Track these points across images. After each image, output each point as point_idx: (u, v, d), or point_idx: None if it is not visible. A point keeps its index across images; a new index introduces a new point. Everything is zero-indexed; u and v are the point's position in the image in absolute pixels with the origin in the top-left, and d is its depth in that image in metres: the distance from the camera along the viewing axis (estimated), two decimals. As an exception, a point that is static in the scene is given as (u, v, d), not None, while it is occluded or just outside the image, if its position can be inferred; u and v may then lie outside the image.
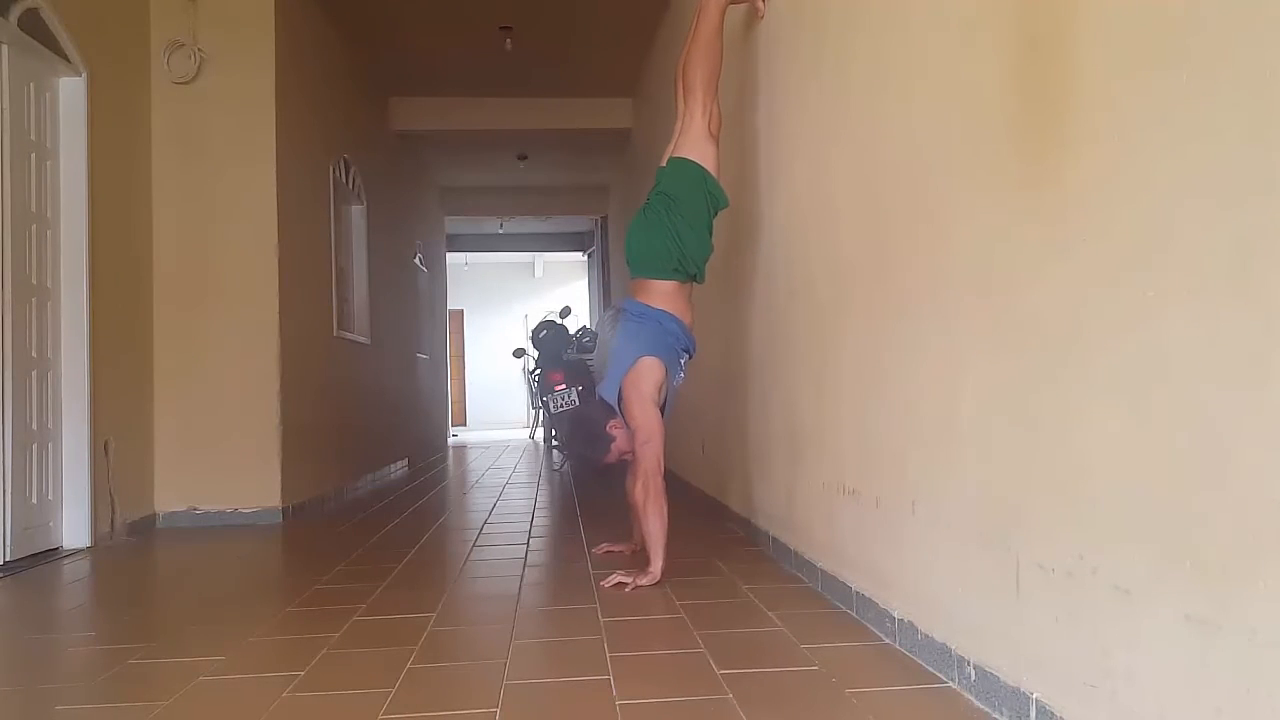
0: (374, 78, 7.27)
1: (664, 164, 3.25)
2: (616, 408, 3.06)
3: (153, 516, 4.58)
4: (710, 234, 3.19)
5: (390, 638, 2.38)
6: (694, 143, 3.17)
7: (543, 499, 5.32)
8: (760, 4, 3.35)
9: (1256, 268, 1.11)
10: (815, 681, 1.95)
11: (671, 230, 3.10)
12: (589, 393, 8.24)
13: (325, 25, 5.98)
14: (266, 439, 4.71)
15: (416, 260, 9.37)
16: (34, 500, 3.76)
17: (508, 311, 17.39)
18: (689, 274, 3.16)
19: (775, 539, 3.29)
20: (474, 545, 3.85)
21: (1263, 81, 1.10)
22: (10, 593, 3.20)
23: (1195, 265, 1.21)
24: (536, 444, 11.59)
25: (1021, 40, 1.64)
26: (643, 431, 2.98)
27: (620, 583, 2.84)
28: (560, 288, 17.05)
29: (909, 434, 2.13)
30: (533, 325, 10.43)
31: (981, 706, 1.75)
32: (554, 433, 9.54)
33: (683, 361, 3.17)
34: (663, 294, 3.13)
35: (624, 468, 3.24)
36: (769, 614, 2.52)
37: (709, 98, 3.20)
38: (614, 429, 3.08)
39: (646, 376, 3.03)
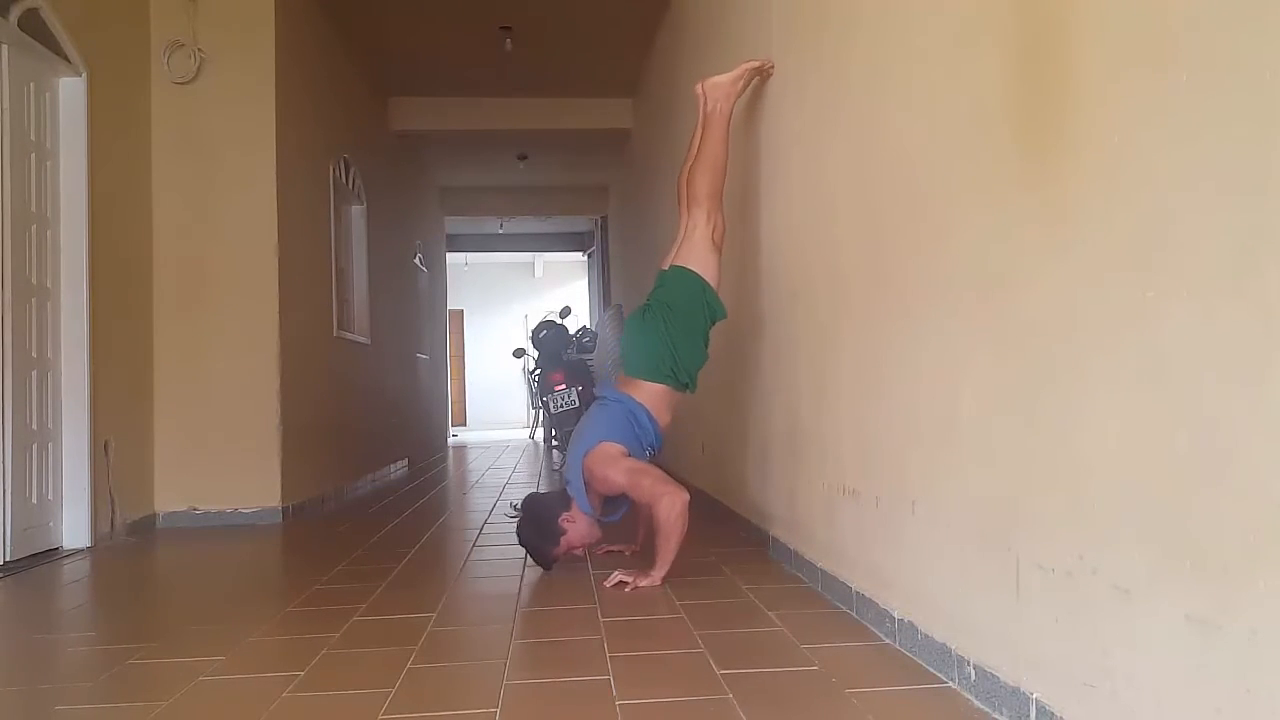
0: (374, 78, 7.27)
1: (665, 268, 3.25)
2: (581, 489, 3.02)
3: (153, 516, 4.58)
4: (705, 344, 3.21)
5: (390, 638, 2.38)
6: (696, 253, 3.18)
7: (543, 499, 5.31)
8: (767, 68, 3.29)
9: (1256, 267, 1.11)
10: (815, 681, 1.95)
11: (668, 339, 3.11)
12: (589, 393, 8.25)
13: (325, 25, 5.98)
14: (266, 439, 4.71)
15: (416, 260, 9.36)
16: (34, 500, 3.76)
17: (508, 311, 17.40)
18: (681, 383, 3.17)
19: (775, 539, 3.29)
20: (474, 545, 3.85)
21: (1263, 81, 1.10)
22: (10, 593, 3.20)
23: (1195, 265, 1.21)
24: (536, 444, 11.59)
25: (1021, 40, 1.64)
26: (631, 479, 2.95)
27: (621, 582, 2.84)
28: (560, 288, 17.05)
29: (909, 434, 2.13)
30: (533, 325, 10.43)
31: (981, 706, 1.76)
32: (554, 433, 9.54)
33: (647, 454, 3.14)
34: (648, 393, 3.13)
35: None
36: (769, 614, 2.52)
37: (714, 207, 3.21)
38: (566, 522, 3.03)
39: (610, 450, 3.01)
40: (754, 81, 3.38)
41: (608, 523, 3.21)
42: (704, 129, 3.29)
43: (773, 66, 3.25)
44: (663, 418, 3.17)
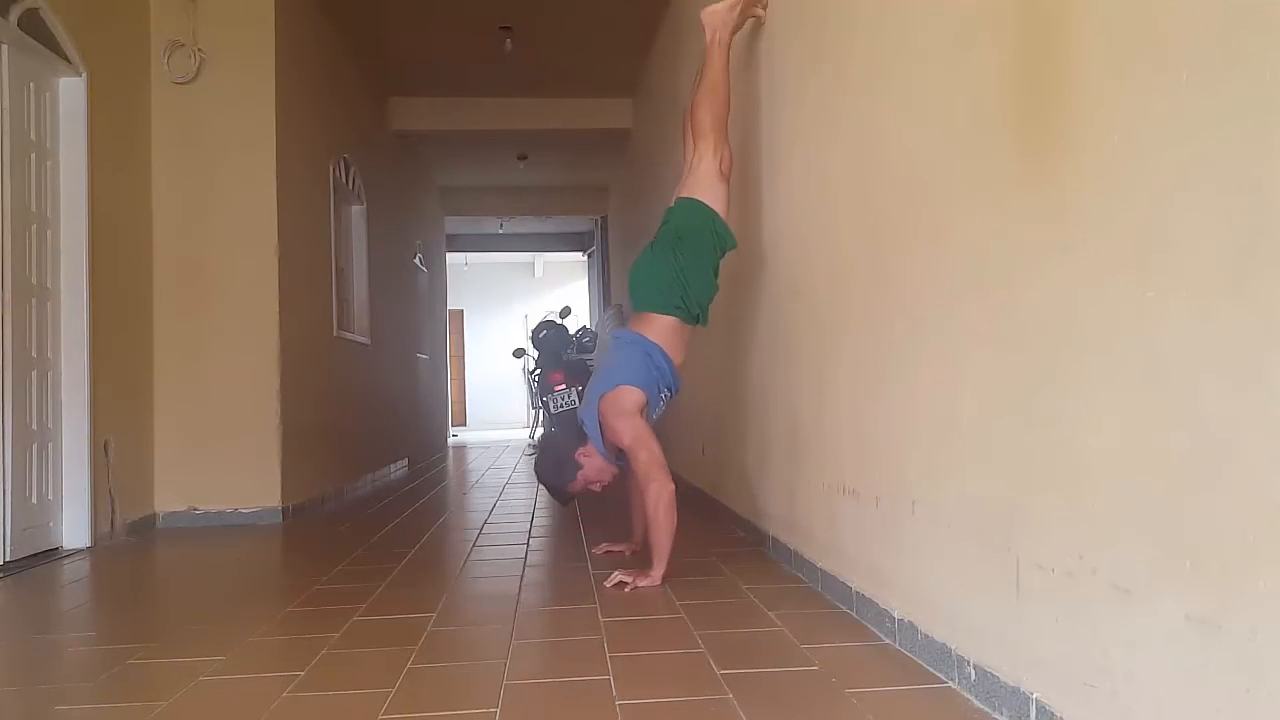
0: (374, 78, 7.27)
1: (672, 203, 3.24)
2: (596, 430, 3.01)
3: (153, 516, 4.58)
4: (715, 275, 3.19)
5: (390, 638, 2.38)
6: (704, 184, 3.16)
7: (543, 499, 5.32)
8: (760, 11, 3.35)
9: (1256, 267, 1.11)
10: (815, 681, 1.95)
11: (677, 268, 3.10)
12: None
13: (325, 25, 5.98)
14: (266, 439, 4.71)
15: (416, 260, 9.36)
16: (34, 500, 3.76)
17: (508, 311, 17.39)
18: (691, 314, 3.14)
19: (775, 539, 3.29)
20: (474, 545, 3.85)
21: (1262, 81, 1.10)
22: (10, 593, 3.20)
23: (1195, 264, 1.21)
24: (536, 444, 11.59)
25: (1021, 39, 1.64)
26: (634, 443, 2.93)
27: (621, 582, 2.84)
28: (560, 288, 17.05)
29: (909, 434, 2.13)
30: (533, 325, 10.43)
31: (981, 706, 1.75)
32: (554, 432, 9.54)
33: (664, 397, 3.13)
34: (660, 329, 3.11)
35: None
36: (769, 614, 2.52)
37: (720, 137, 3.20)
38: (583, 456, 3.03)
39: (627, 398, 2.99)
40: (750, 22, 3.40)
41: (622, 466, 3.14)
42: (705, 59, 3.29)
43: (766, 6, 3.31)
44: (677, 355, 3.14)
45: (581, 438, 3.07)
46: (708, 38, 3.29)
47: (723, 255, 3.20)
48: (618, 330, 3.24)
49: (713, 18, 3.29)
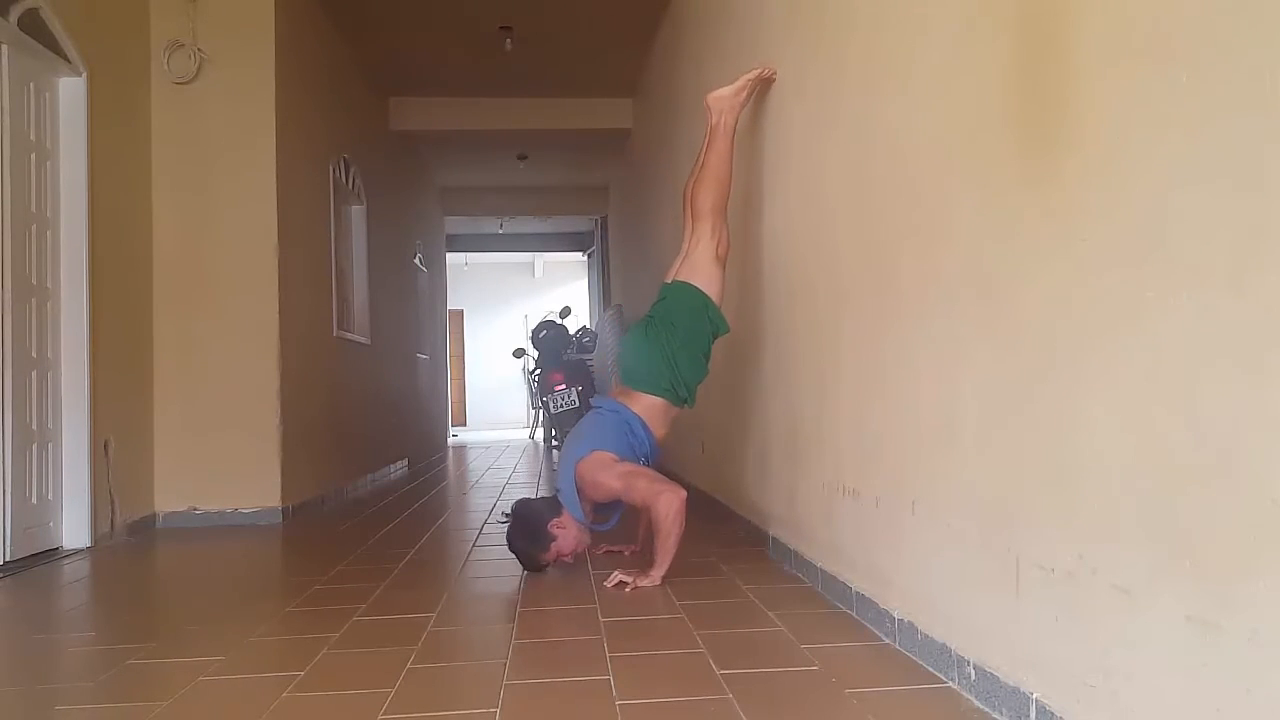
0: (374, 78, 7.27)
1: (669, 281, 3.25)
2: (572, 496, 3.01)
3: (153, 516, 4.58)
4: (707, 360, 3.21)
5: (390, 638, 2.38)
6: (701, 269, 3.18)
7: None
8: (768, 74, 3.27)
9: (1257, 265, 1.11)
10: (815, 681, 1.95)
11: (669, 355, 3.11)
12: (589, 393, 8.26)
13: (325, 25, 5.98)
14: (266, 439, 4.71)
15: (416, 260, 9.36)
16: (34, 500, 3.76)
17: (508, 311, 17.39)
18: (680, 397, 3.16)
19: (775, 539, 3.29)
20: (474, 545, 3.85)
21: (1262, 80, 1.10)
22: (10, 593, 3.20)
23: (1195, 263, 1.21)
24: (536, 444, 11.59)
25: (1021, 36, 1.64)
26: (626, 484, 2.94)
27: (621, 582, 2.84)
28: (560, 288, 17.05)
29: (909, 434, 2.13)
30: (533, 325, 10.44)
31: (981, 706, 1.75)
32: (554, 433, 9.54)
33: (641, 464, 3.11)
34: (645, 405, 3.13)
35: None
36: (769, 614, 2.52)
37: (719, 222, 3.21)
38: (556, 528, 3.01)
39: (602, 461, 2.99)
40: (757, 90, 3.36)
41: (600, 531, 3.19)
42: (708, 142, 3.29)
43: (774, 72, 3.25)
44: (659, 430, 3.17)
45: (556, 508, 3.04)
46: (713, 121, 3.28)
47: (715, 340, 3.22)
48: (598, 399, 3.26)
49: (718, 102, 3.28)
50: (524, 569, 3.13)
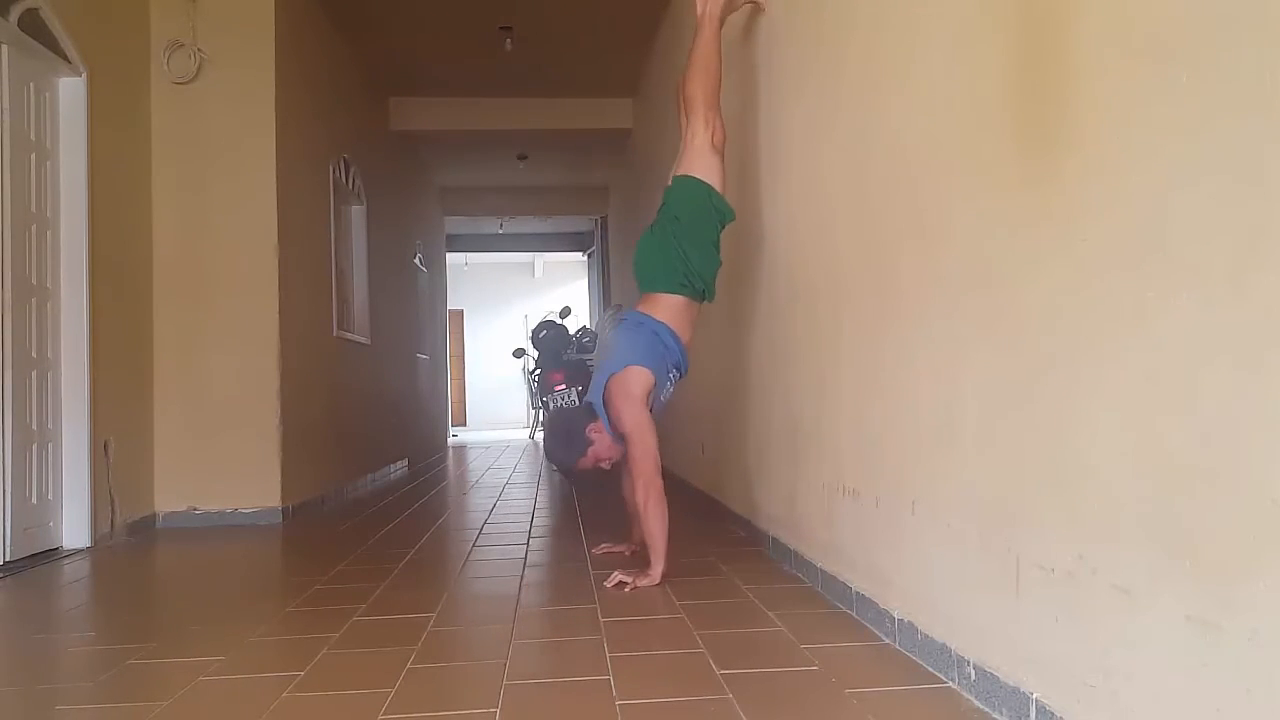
0: (374, 78, 7.27)
1: (669, 182, 3.24)
2: (601, 410, 3.02)
3: (153, 516, 4.58)
4: (717, 249, 3.19)
5: (390, 638, 2.38)
6: (698, 159, 3.16)
7: (543, 499, 5.32)
8: (761, 1, 3.35)
9: (1256, 266, 1.11)
10: (815, 681, 1.95)
11: (678, 249, 3.10)
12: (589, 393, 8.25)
13: (325, 25, 5.98)
14: (266, 439, 4.71)
15: (416, 260, 9.37)
16: (34, 500, 3.76)
17: (508, 311, 17.40)
18: (697, 290, 3.14)
19: (775, 539, 3.29)
20: (474, 545, 3.85)
21: (1262, 80, 1.10)
22: (10, 593, 3.20)
23: (1195, 263, 1.21)
24: (537, 444, 11.59)
25: (1020, 36, 1.64)
26: (633, 431, 2.93)
27: (621, 582, 2.84)
28: (560, 288, 17.05)
29: (909, 434, 2.13)
30: (533, 325, 10.43)
31: (981, 706, 1.75)
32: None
33: (672, 377, 3.13)
34: (667, 308, 3.12)
35: (611, 476, 3.20)
36: (769, 614, 2.52)
37: (711, 111, 3.19)
38: (593, 432, 3.02)
39: (634, 382, 2.99)
40: (749, 11, 3.38)
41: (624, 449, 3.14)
42: (696, 32, 3.28)
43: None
44: (684, 334, 3.14)
45: (591, 414, 3.06)
46: (699, 10, 3.28)
47: (723, 227, 3.20)
48: (626, 311, 3.23)
49: None
50: (562, 475, 3.10)
